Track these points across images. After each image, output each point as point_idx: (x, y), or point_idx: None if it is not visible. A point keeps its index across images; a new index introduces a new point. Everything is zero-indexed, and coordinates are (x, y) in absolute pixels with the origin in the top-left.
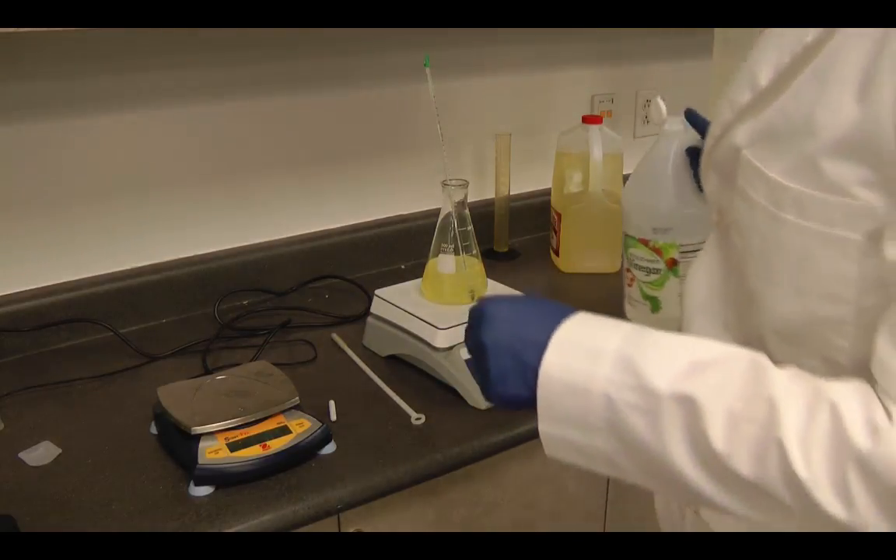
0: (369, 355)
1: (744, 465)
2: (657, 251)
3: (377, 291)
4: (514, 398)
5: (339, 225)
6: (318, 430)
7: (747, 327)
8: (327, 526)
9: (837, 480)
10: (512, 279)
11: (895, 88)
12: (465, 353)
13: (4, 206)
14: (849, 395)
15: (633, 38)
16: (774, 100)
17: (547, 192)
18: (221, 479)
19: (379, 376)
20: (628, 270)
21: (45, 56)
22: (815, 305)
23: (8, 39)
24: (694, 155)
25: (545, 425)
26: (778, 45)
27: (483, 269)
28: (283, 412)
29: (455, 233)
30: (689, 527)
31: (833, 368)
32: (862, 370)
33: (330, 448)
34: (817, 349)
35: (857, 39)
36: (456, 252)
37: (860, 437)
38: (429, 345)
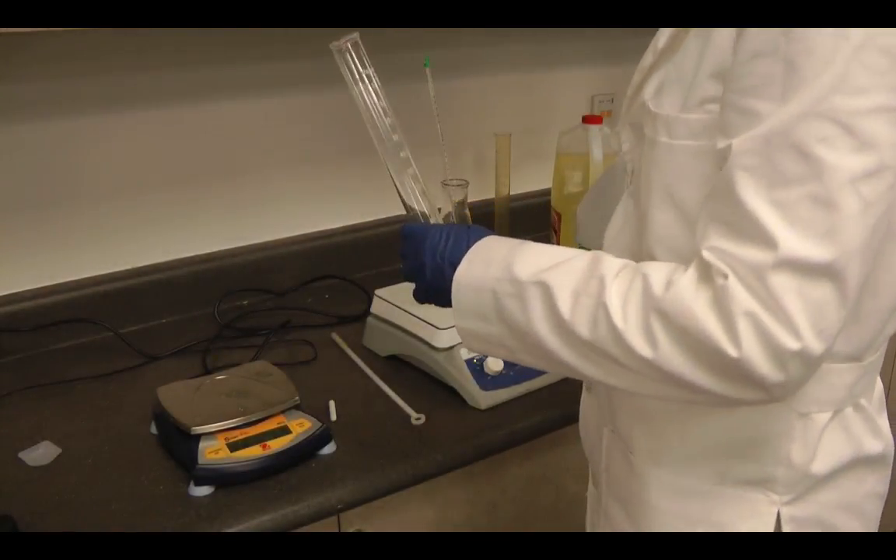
0: (369, 355)
1: (584, 328)
2: None
3: (377, 291)
4: (440, 300)
5: (339, 225)
6: (318, 430)
7: (642, 247)
8: (327, 526)
9: (644, 326)
10: None
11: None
12: (465, 353)
13: (4, 206)
14: (660, 267)
15: (633, 38)
16: (670, 57)
17: (547, 192)
18: (221, 479)
19: (379, 376)
20: None
21: (44, 56)
22: (689, 209)
23: (8, 39)
24: None
25: (457, 319)
26: None
27: None
28: (283, 412)
29: None
30: (606, 444)
31: None
32: None
33: (330, 448)
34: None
35: None
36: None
37: (657, 289)
38: (429, 345)
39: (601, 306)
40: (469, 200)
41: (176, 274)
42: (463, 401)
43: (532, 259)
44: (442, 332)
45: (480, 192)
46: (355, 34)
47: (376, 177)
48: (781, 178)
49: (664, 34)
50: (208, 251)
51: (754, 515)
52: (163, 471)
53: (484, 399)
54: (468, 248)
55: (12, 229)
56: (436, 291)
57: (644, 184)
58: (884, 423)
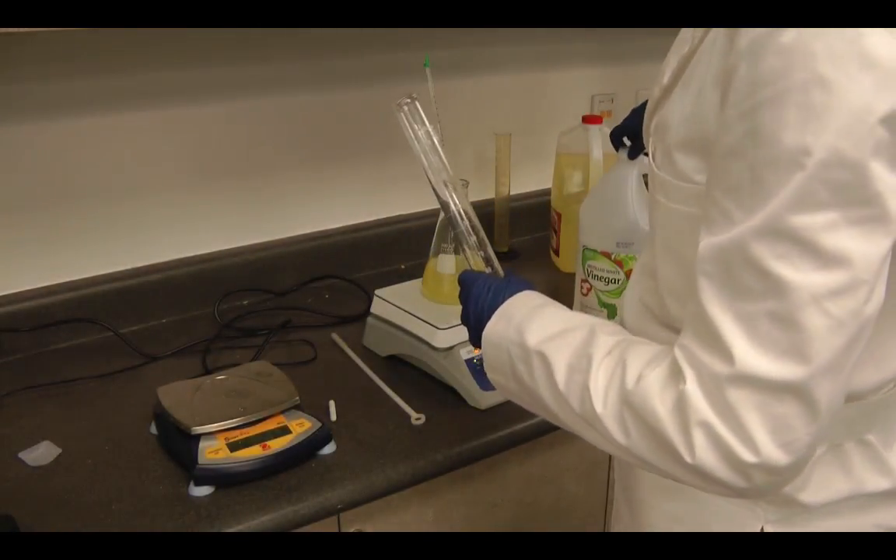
0: (369, 355)
1: (574, 403)
2: (618, 263)
3: (377, 291)
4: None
5: (339, 225)
6: (318, 430)
7: (656, 298)
8: (327, 526)
9: (619, 415)
10: None
11: (717, 96)
12: (465, 353)
13: (4, 206)
14: (639, 356)
15: (633, 38)
16: (666, 100)
17: (547, 192)
18: (221, 479)
19: (379, 376)
20: (585, 281)
21: (45, 56)
22: (690, 268)
23: (7, 39)
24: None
25: (486, 370)
26: (677, 49)
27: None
28: (283, 412)
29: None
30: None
31: None
32: None
33: (330, 448)
34: None
35: (706, 54)
36: (456, 252)
37: (629, 382)
38: (429, 345)
39: (586, 388)
40: (469, 200)
41: (176, 274)
42: (463, 401)
43: (541, 326)
44: (442, 332)
45: (480, 192)
46: (414, 94)
47: (376, 177)
48: (742, 292)
49: (668, 67)
50: (208, 251)
51: (737, 526)
52: (163, 471)
53: (484, 399)
54: (502, 302)
55: (12, 229)
56: (478, 338)
57: (652, 231)
58: None
